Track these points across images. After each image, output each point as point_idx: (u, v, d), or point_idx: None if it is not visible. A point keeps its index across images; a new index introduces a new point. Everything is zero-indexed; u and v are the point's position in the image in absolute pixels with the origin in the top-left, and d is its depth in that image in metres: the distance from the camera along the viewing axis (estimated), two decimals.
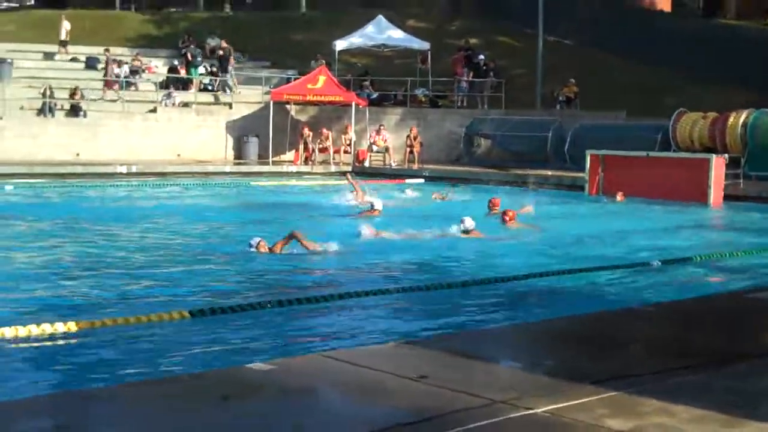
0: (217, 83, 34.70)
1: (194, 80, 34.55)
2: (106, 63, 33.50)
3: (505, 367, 6.15)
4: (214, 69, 35.29)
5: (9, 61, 31.93)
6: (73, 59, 35.61)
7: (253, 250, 12.77)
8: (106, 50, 34.10)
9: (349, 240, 14.12)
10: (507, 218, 16.33)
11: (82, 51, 36.15)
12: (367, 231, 14.55)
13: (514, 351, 6.70)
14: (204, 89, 34.69)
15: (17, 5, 62.59)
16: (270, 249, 12.80)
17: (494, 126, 32.14)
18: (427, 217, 17.25)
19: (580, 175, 24.80)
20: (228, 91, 34.49)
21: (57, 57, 35.55)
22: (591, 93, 33.19)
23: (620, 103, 32.01)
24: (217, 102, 34.07)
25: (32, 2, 58.39)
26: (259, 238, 12.94)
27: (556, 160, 29.33)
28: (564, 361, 6.23)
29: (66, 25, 35.49)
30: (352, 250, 13.62)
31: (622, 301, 10.46)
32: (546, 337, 7.14)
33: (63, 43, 35.21)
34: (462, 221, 15.06)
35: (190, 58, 35.20)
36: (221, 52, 35.37)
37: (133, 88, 33.89)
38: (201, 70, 35.16)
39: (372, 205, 18.13)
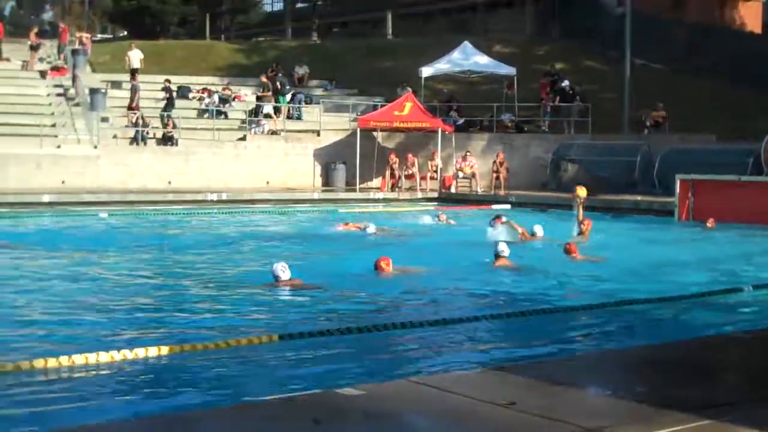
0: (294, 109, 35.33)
1: (282, 108, 34.99)
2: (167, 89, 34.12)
3: (595, 394, 6.11)
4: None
5: (103, 91, 32.73)
6: (165, 89, 36.31)
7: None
8: (167, 80, 34.56)
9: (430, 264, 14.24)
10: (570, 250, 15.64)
11: (175, 80, 36.86)
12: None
13: (604, 378, 6.64)
14: (290, 117, 35.13)
15: (111, 36, 64.44)
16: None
17: (581, 151, 31.89)
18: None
19: (670, 200, 24.46)
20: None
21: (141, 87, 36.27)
22: (680, 117, 32.71)
23: (710, 127, 31.50)
24: (305, 130, 34.44)
25: (125, 33, 60.05)
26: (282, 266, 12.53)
27: (644, 185, 28.93)
28: (655, 388, 6.14)
29: (137, 54, 36.07)
30: (431, 273, 13.70)
31: (714, 327, 10.28)
32: (636, 365, 7.07)
33: (133, 72, 35.84)
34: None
35: (279, 86, 35.66)
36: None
37: (222, 116, 34.48)
38: (288, 97, 35.57)
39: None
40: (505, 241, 15.05)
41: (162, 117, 32.35)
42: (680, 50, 39.14)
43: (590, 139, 32.74)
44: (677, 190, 23.88)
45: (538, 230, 18.07)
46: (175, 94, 34.69)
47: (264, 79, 35.59)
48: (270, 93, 35.07)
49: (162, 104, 33.46)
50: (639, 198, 27.09)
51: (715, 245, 18.82)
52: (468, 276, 13.82)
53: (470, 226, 21.90)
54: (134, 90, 32.87)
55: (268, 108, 34.64)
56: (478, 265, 14.59)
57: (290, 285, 12.22)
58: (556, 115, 35.55)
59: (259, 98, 35.21)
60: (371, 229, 19.32)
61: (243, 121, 34.11)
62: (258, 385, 7.73)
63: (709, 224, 21.68)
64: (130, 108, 32.59)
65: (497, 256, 14.41)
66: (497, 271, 14.16)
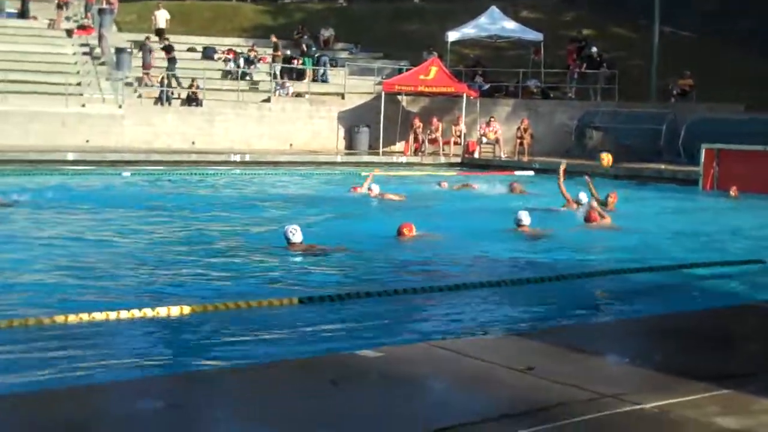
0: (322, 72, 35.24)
1: (307, 71, 34.93)
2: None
3: (614, 362, 6.11)
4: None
5: (129, 50, 32.74)
6: (191, 49, 36.33)
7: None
8: (147, 38, 34.31)
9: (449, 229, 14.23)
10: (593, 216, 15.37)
11: (199, 41, 36.89)
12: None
13: (623, 346, 6.64)
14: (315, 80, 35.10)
15: None
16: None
17: (607, 118, 31.68)
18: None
19: (694, 169, 24.31)
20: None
21: (160, 46, 36.25)
22: (708, 85, 32.42)
23: (739, 96, 31.21)
24: (329, 93, 34.37)
25: None
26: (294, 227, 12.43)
27: (669, 154, 28.75)
28: (674, 357, 6.13)
29: (164, 14, 36.07)
30: (450, 238, 13.69)
31: (735, 298, 10.24)
32: (656, 333, 7.05)
33: (159, 32, 35.83)
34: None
35: (305, 48, 35.59)
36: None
37: (247, 78, 34.45)
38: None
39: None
40: (527, 209, 14.95)
41: (165, 77, 32.20)
42: (709, 18, 38.68)
43: (616, 107, 32.51)
44: (702, 159, 23.71)
45: (583, 197, 17.65)
46: (200, 55, 34.78)
47: (274, 39, 35.73)
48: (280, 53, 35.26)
49: (187, 64, 33.48)
50: (663, 166, 26.94)
51: (738, 215, 18.70)
52: (487, 241, 13.78)
53: (490, 193, 21.92)
54: (148, 51, 32.77)
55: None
56: (497, 231, 14.56)
57: (302, 249, 12.12)
58: (582, 82, 35.28)
59: (285, 60, 35.15)
60: (375, 191, 19.20)
61: (271, 79, 34.00)
62: (276, 347, 7.77)
63: (732, 193, 21.52)
64: (144, 67, 32.58)
65: (518, 224, 14.40)
66: (516, 236, 14.14)
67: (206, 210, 17.17)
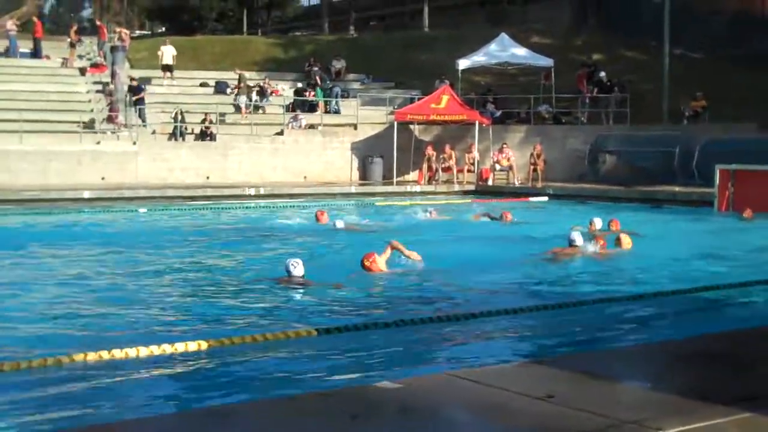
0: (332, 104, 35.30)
1: (320, 102, 35.08)
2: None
3: (634, 387, 6.07)
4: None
5: (142, 86, 32.96)
6: (203, 84, 36.58)
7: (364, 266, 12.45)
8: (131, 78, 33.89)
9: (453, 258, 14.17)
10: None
11: (211, 76, 37.15)
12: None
13: (643, 371, 6.60)
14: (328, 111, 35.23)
15: (149, 33, 64.87)
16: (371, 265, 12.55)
17: (619, 142, 31.65)
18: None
19: (709, 190, 24.21)
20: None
21: (174, 82, 36.40)
22: (720, 106, 32.39)
23: (750, 115, 31.14)
24: (342, 124, 34.49)
25: (163, 30, 60.46)
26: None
27: (683, 176, 28.67)
28: (695, 381, 6.10)
29: (170, 50, 36.34)
30: (457, 267, 13.63)
31: (754, 320, 10.18)
32: (675, 357, 7.01)
33: (165, 68, 36.06)
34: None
35: (319, 81, 35.75)
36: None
37: (261, 111, 34.62)
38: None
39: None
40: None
41: (179, 112, 32.03)
42: (720, 40, 38.71)
43: (629, 131, 32.48)
44: (717, 180, 23.60)
45: (578, 239, 16.98)
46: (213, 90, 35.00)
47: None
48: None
49: (199, 99, 33.62)
50: (677, 189, 26.88)
51: (753, 236, 18.61)
52: (499, 269, 13.75)
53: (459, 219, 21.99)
54: (107, 94, 32.56)
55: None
56: (501, 258, 14.57)
57: (302, 283, 11.94)
58: (594, 106, 35.30)
59: (297, 92, 35.32)
60: (339, 224, 18.76)
61: (283, 111, 34.04)
62: (295, 380, 7.75)
63: (746, 215, 21.41)
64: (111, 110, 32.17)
65: (570, 244, 14.46)
66: (525, 263, 14.15)
67: (209, 244, 17.14)
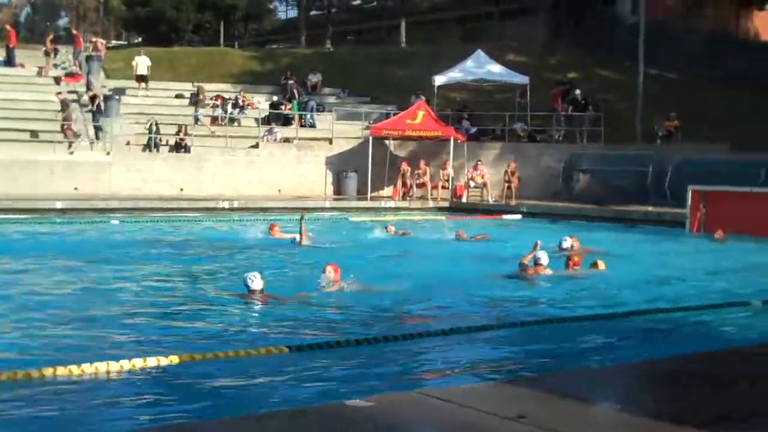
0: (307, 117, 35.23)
1: (295, 116, 35.04)
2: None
3: (606, 408, 6.06)
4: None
5: (117, 97, 32.82)
6: (179, 96, 36.48)
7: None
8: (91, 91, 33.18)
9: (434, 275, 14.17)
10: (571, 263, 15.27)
11: (187, 88, 37.06)
12: None
13: (616, 391, 6.60)
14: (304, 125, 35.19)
15: (125, 43, 64.70)
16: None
17: (593, 161, 31.78)
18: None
19: (681, 211, 24.28)
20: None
21: (149, 93, 36.21)
22: (693, 127, 32.60)
23: (724, 136, 31.34)
24: (317, 138, 34.46)
25: (139, 40, 60.32)
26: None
27: (656, 196, 28.79)
28: (667, 401, 6.10)
29: (145, 61, 36.19)
30: (426, 285, 13.61)
31: (724, 340, 10.23)
32: (648, 378, 7.02)
33: (140, 78, 35.91)
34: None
35: (296, 95, 35.72)
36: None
37: (236, 123, 34.54)
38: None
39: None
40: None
41: (153, 123, 31.62)
42: (694, 60, 39.06)
43: (603, 149, 32.63)
44: (689, 200, 23.70)
45: (544, 258, 16.71)
46: (188, 101, 34.82)
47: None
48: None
49: (175, 110, 33.47)
50: (650, 209, 26.99)
51: (725, 258, 18.70)
52: (468, 286, 13.75)
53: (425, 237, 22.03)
54: (66, 104, 32.19)
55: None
56: (472, 276, 14.62)
57: (261, 298, 11.86)
58: (568, 125, 35.45)
59: (273, 106, 35.27)
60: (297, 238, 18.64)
61: (258, 124, 34.00)
62: (266, 397, 7.70)
63: (717, 236, 21.48)
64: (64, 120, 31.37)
65: (535, 262, 14.46)
66: (494, 281, 14.17)
67: (178, 258, 17.01)
